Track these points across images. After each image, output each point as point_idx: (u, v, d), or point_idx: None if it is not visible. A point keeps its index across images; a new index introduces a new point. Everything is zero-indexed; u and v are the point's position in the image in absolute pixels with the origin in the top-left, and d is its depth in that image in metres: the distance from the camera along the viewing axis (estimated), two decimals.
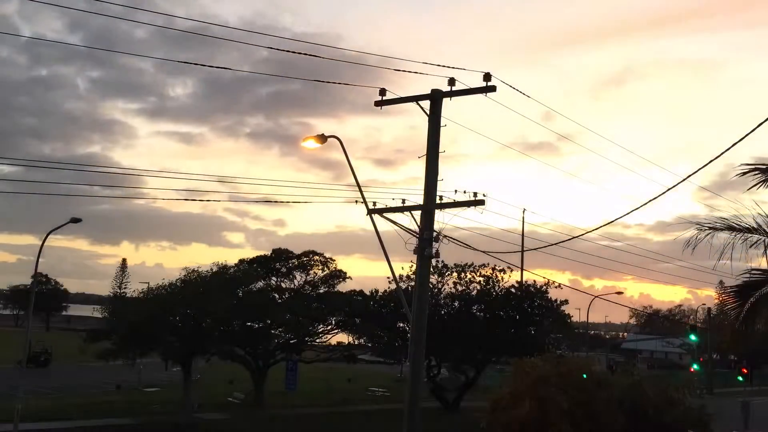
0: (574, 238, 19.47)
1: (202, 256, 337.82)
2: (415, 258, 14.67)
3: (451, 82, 14.24)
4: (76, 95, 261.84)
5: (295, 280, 44.49)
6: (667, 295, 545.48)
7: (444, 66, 14.29)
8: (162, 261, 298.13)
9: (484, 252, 19.00)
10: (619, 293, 63.43)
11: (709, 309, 72.78)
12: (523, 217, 49.40)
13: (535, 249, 28.25)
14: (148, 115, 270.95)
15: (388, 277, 39.78)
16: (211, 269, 37.03)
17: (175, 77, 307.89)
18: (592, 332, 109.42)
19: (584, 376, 22.13)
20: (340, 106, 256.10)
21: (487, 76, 14.03)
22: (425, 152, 14.56)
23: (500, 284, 41.67)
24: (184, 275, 36.24)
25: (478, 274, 41.60)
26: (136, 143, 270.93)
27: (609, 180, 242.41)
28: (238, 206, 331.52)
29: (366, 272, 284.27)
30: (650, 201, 14.78)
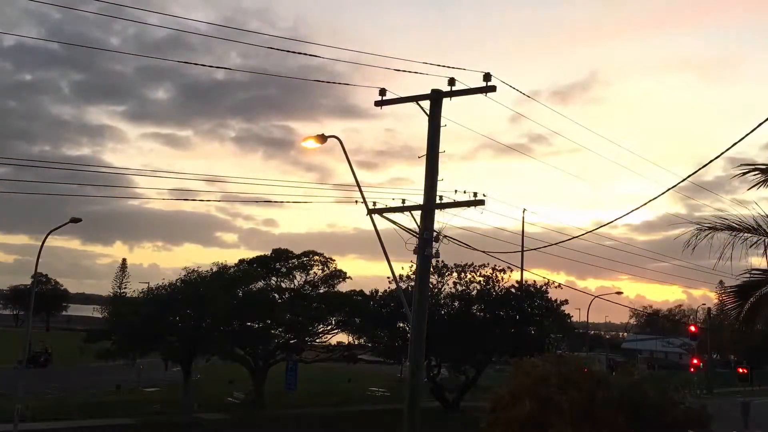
0: (573, 238, 19.47)
1: (197, 256, 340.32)
2: (415, 258, 14.66)
3: (451, 82, 14.22)
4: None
5: (295, 280, 44.49)
6: (664, 294, 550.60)
7: (444, 66, 14.28)
8: (156, 261, 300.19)
9: (484, 252, 19.00)
10: (619, 293, 63.41)
11: (709, 309, 72.85)
12: (523, 217, 49.42)
13: (535, 249, 28.31)
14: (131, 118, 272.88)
15: (388, 277, 39.81)
16: (211, 269, 37.04)
17: (156, 82, 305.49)
18: (592, 332, 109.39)
19: (584, 376, 22.11)
20: (317, 109, 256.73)
21: (487, 76, 14.02)
22: (425, 152, 14.55)
23: (500, 284, 41.68)
24: (184, 275, 36.26)
25: (478, 274, 41.59)
26: (123, 146, 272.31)
27: (605, 180, 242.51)
28: (231, 206, 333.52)
29: (364, 273, 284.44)
30: (650, 201, 14.80)
